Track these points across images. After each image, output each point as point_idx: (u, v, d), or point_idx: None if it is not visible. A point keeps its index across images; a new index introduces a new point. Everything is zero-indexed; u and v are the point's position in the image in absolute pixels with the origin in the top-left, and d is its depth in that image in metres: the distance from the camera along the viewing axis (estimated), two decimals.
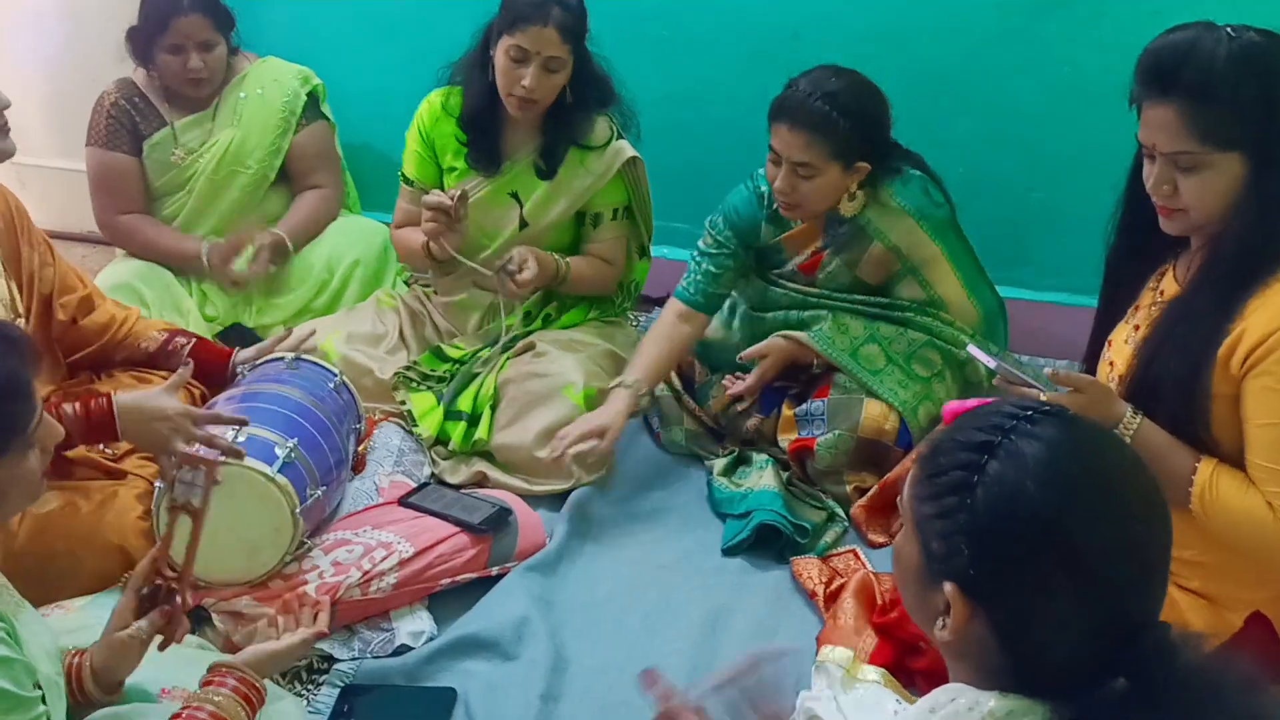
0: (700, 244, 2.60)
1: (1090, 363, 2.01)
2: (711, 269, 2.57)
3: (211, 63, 2.84)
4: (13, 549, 1.83)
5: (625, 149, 2.65)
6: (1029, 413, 1.05)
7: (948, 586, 1.02)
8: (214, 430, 1.97)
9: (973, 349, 1.90)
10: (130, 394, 1.94)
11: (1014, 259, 3.00)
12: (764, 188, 2.50)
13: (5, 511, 1.43)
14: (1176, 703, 0.95)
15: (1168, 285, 1.86)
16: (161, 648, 1.57)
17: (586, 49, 2.56)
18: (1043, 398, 1.77)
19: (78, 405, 1.88)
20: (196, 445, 1.92)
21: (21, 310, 2.06)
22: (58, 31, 3.34)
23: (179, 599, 1.57)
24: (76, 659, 1.56)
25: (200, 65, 2.81)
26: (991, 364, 1.83)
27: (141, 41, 2.82)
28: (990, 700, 1.00)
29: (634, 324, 2.99)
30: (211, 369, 2.36)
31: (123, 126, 2.87)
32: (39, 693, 1.31)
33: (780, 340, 2.50)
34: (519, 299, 2.68)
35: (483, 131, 2.63)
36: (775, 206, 2.47)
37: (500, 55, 2.49)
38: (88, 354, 2.26)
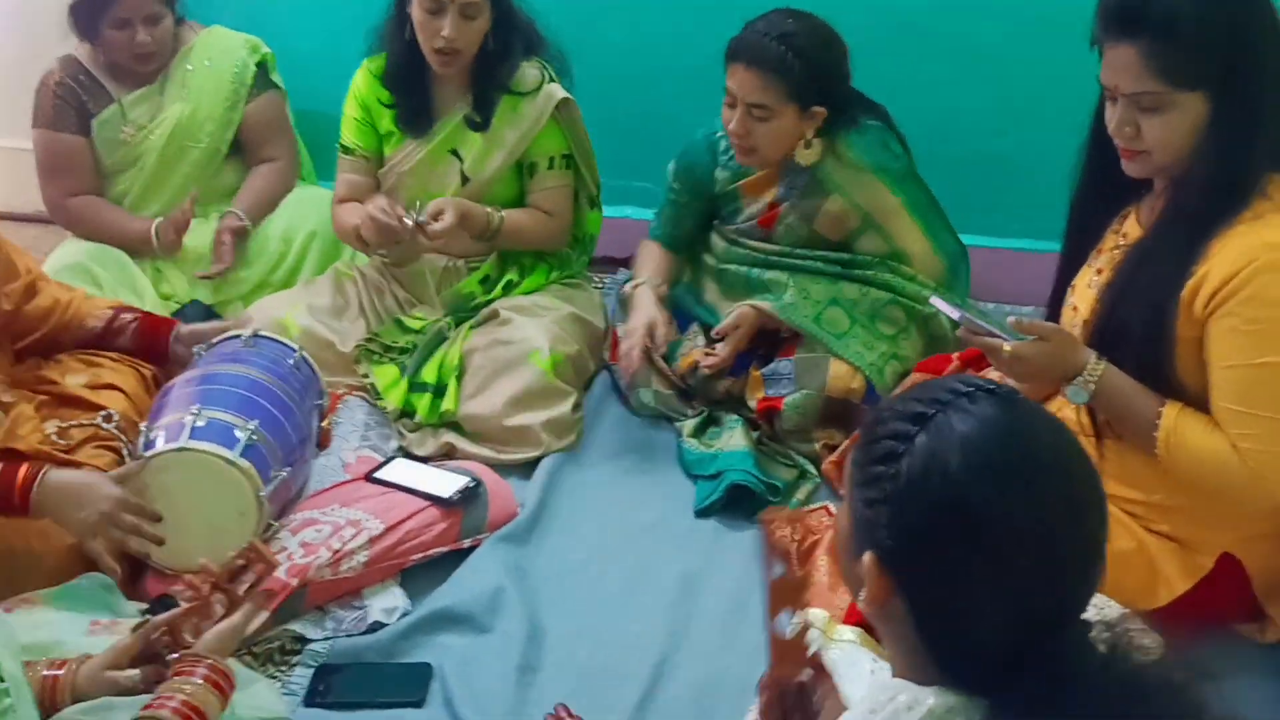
0: (663, 195, 2.69)
1: (1054, 308, 2.00)
2: (670, 215, 2.69)
3: (159, 35, 2.77)
4: None
5: (556, 91, 2.61)
6: (971, 389, 1.02)
7: (866, 556, 1.02)
8: (166, 420, 1.93)
9: (936, 301, 1.89)
10: (65, 475, 1.85)
11: (981, 205, 2.97)
12: (718, 133, 2.50)
13: None
14: (1089, 705, 0.93)
15: (1130, 228, 1.85)
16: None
17: None
18: (1006, 347, 1.76)
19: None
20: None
21: None
22: None
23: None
24: (53, 674, 1.55)
25: (148, 40, 2.74)
26: (955, 315, 1.82)
27: (85, 17, 2.74)
28: (930, 698, 0.99)
29: (596, 285, 2.96)
30: (158, 344, 2.32)
31: (69, 106, 2.80)
32: (2, 686, 1.29)
33: (749, 310, 2.49)
34: (434, 251, 2.63)
35: (409, 92, 2.61)
36: (730, 154, 2.45)
37: (416, 10, 2.47)
38: (34, 339, 2.21)
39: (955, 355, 2.20)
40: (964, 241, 2.61)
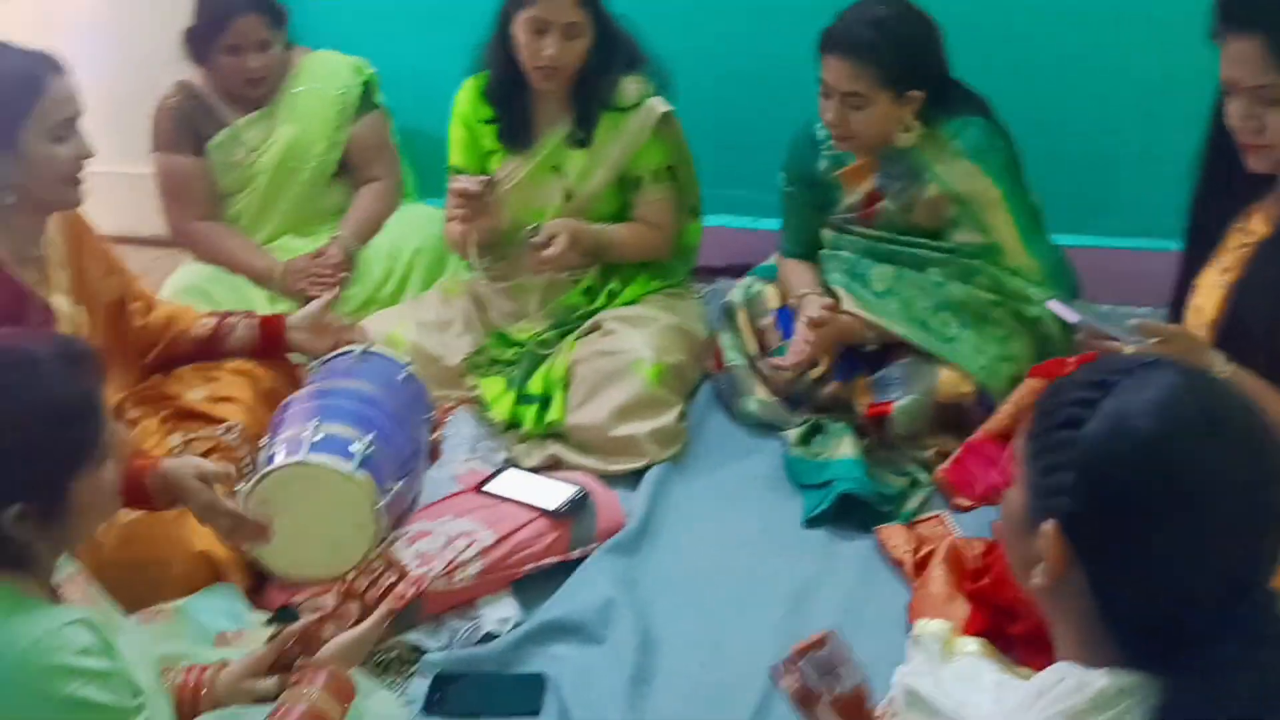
0: (783, 207, 2.66)
1: (1176, 309, 1.95)
2: (795, 224, 2.65)
3: (269, 61, 2.85)
4: (101, 560, 1.86)
5: (658, 105, 2.62)
6: (1151, 361, 1.02)
7: (1047, 525, 0.99)
8: (287, 433, 1.98)
9: (1053, 305, 1.85)
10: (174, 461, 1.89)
11: (1094, 204, 2.91)
12: (817, 124, 2.49)
13: (88, 526, 1.45)
14: (1273, 677, 0.90)
15: (1257, 225, 1.80)
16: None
17: (604, 11, 2.56)
18: (1128, 350, 1.71)
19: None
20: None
21: (87, 327, 2.08)
22: (112, 35, 3.37)
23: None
24: (196, 679, 1.59)
25: (259, 65, 2.82)
26: (1074, 319, 1.78)
27: (198, 43, 2.83)
28: (1100, 679, 0.96)
29: (698, 296, 2.96)
30: (270, 339, 2.36)
31: (185, 129, 2.89)
32: (138, 700, 1.33)
33: (841, 317, 2.44)
34: (545, 272, 2.66)
35: (511, 110, 2.65)
36: (829, 143, 2.46)
37: (519, 31, 2.50)
38: (155, 355, 2.29)
39: (1072, 359, 2.15)
40: (1077, 242, 2.56)
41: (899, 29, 2.30)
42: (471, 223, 2.59)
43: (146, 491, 1.81)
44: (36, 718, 1.24)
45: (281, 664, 1.63)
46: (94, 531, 1.49)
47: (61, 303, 2.02)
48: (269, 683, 1.59)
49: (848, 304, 2.46)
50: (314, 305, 2.41)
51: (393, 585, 1.75)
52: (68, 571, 1.48)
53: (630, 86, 2.62)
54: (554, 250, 2.53)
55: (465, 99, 2.71)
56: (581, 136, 2.63)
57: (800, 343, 2.42)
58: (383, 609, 1.68)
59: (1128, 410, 0.97)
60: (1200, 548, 0.95)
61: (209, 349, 2.33)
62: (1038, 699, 0.99)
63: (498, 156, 2.70)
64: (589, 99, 2.60)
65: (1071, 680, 0.98)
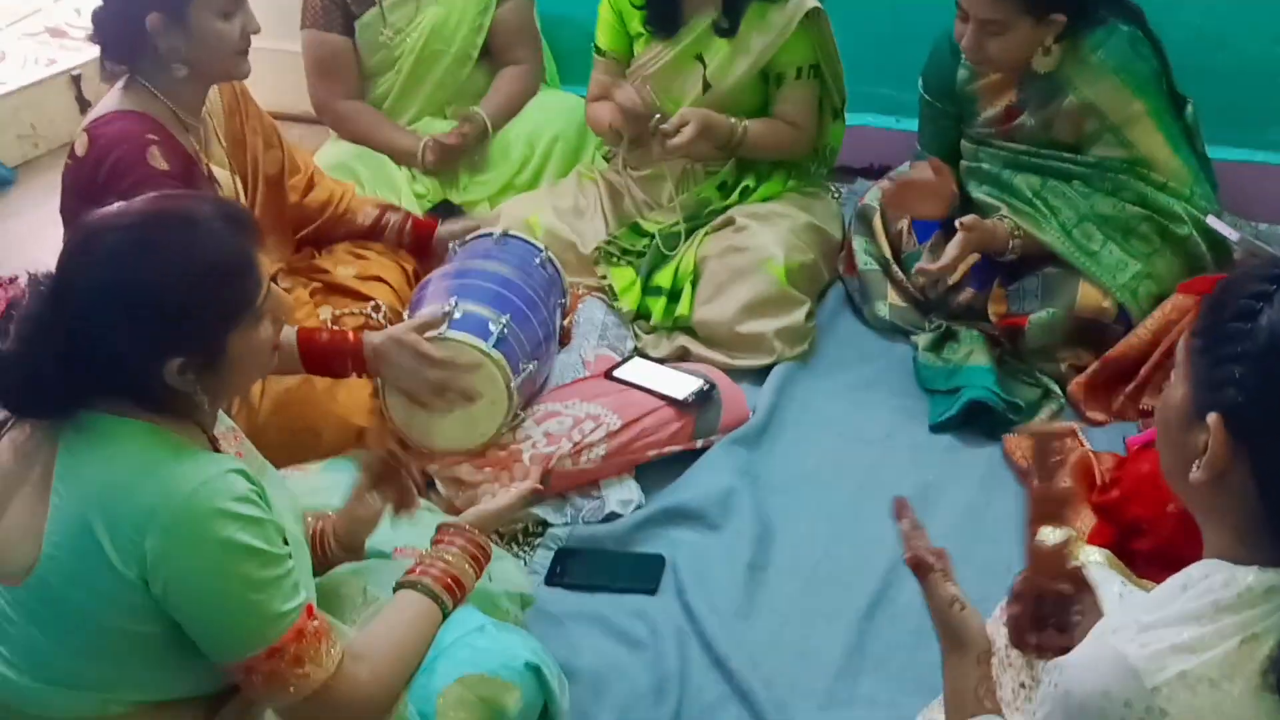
0: (919, 113, 2.59)
1: None
2: (930, 132, 2.58)
3: None
4: (256, 423, 1.96)
5: (807, 0, 2.55)
6: None
7: (1211, 418, 0.97)
8: (425, 313, 2.07)
9: (1213, 221, 1.78)
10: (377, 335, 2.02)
11: (1260, 119, 2.77)
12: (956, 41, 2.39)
13: (244, 382, 1.53)
14: None
15: None
16: (396, 514, 1.67)
17: None
18: None
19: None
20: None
21: (245, 197, 2.16)
22: None
23: (409, 476, 1.67)
24: (320, 524, 1.67)
25: None
26: (1234, 237, 1.72)
27: None
28: (1249, 575, 0.95)
29: (834, 195, 2.92)
30: (420, 242, 2.47)
31: (335, 7, 2.93)
32: (287, 549, 1.40)
33: (987, 222, 2.37)
34: (675, 160, 2.65)
35: None
36: None
37: None
38: (311, 230, 2.38)
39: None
40: (1233, 156, 2.44)
41: None
42: (624, 137, 2.60)
43: (344, 359, 1.94)
44: (196, 556, 1.32)
45: (381, 479, 1.68)
46: (250, 386, 1.56)
47: (220, 172, 2.10)
48: (375, 500, 1.66)
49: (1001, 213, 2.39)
50: (465, 222, 2.49)
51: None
52: (224, 425, 1.57)
53: None
54: (681, 139, 2.51)
55: None
56: (727, 26, 2.59)
57: (946, 245, 2.35)
58: (525, 486, 1.73)
59: None
60: None
61: (365, 235, 2.43)
62: (1182, 591, 0.98)
63: (644, 40, 2.68)
64: None
65: (1219, 576, 0.96)
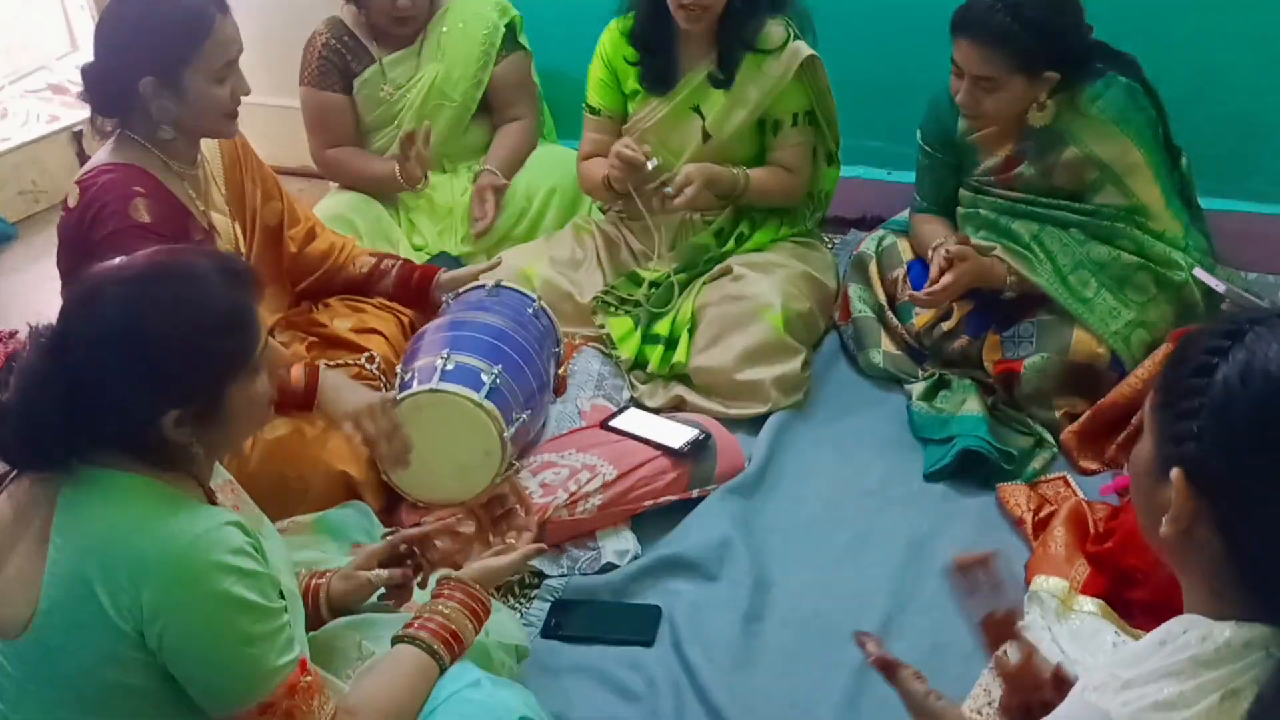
0: (917, 164, 2.61)
1: None
2: (929, 182, 2.60)
3: (418, 0, 2.90)
4: (246, 472, 1.97)
5: (802, 49, 2.60)
6: None
7: (1174, 473, 0.98)
8: (418, 365, 2.07)
9: (1200, 273, 1.80)
10: (338, 374, 2.05)
11: (1242, 168, 2.80)
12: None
13: (239, 435, 1.53)
14: None
15: None
16: (391, 604, 1.70)
17: None
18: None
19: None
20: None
21: (244, 245, 2.18)
22: None
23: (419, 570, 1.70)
24: (315, 581, 1.68)
25: (408, 3, 2.88)
26: (1221, 288, 1.74)
27: None
28: (1225, 630, 0.96)
29: (829, 246, 2.95)
30: (417, 290, 2.47)
31: (334, 65, 2.97)
32: (283, 602, 1.41)
33: (984, 259, 2.40)
34: (671, 214, 2.68)
35: (655, 50, 2.65)
36: None
37: None
38: (310, 282, 2.39)
39: None
40: (1223, 206, 2.47)
41: (1036, 14, 2.21)
42: (622, 188, 2.63)
43: (309, 392, 1.95)
44: (192, 609, 1.32)
45: (393, 559, 1.71)
46: (246, 439, 1.56)
47: (220, 220, 2.13)
48: (380, 572, 1.68)
49: (994, 250, 2.41)
50: (466, 270, 2.50)
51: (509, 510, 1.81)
52: (221, 478, 1.57)
53: (775, 29, 2.61)
54: (685, 198, 2.55)
55: (609, 40, 2.73)
56: (723, 77, 2.63)
57: (937, 274, 2.36)
58: (531, 547, 1.73)
59: (1257, 357, 0.96)
60: None
61: (362, 287, 2.44)
62: (1160, 647, 0.98)
63: (639, 97, 2.72)
64: (733, 39, 2.60)
65: (1197, 631, 0.97)
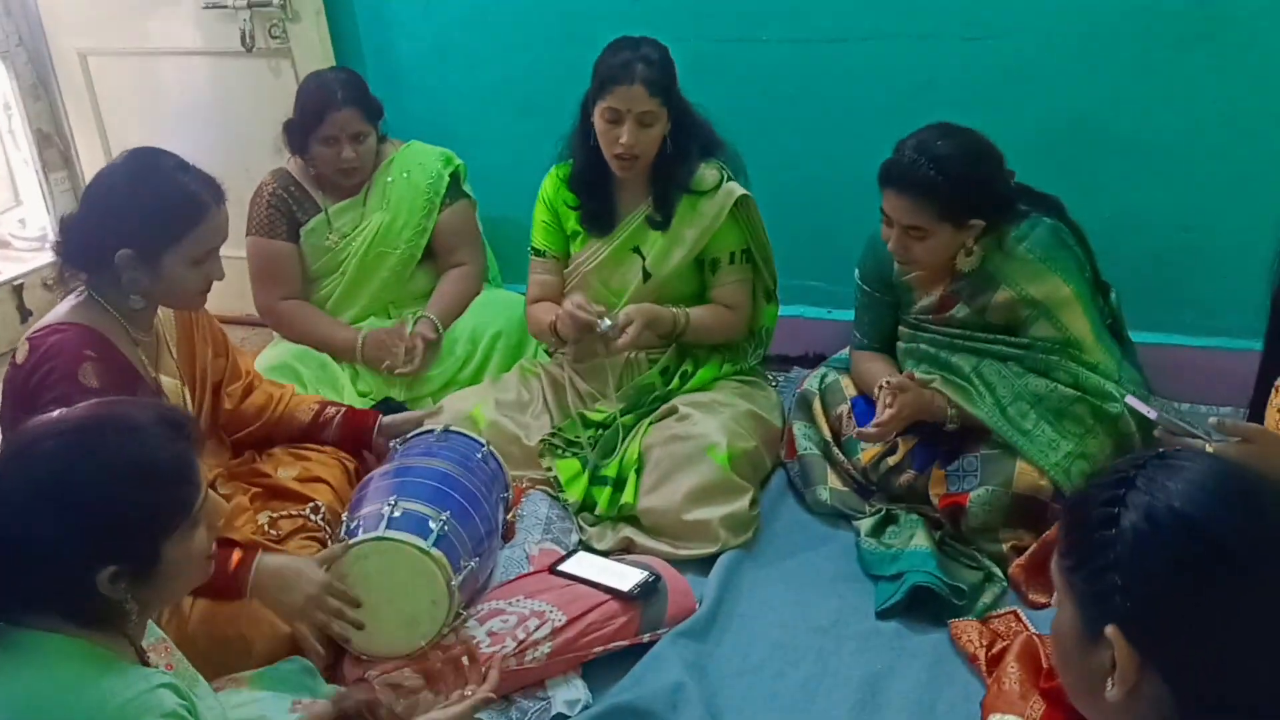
0: (856, 302, 2.67)
1: (1257, 409, 1.92)
2: (868, 320, 2.66)
3: (363, 152, 2.97)
4: (185, 632, 1.91)
5: (735, 189, 2.69)
6: (1162, 451, 1.02)
7: (1109, 630, 0.96)
8: (364, 512, 2.03)
9: (1132, 400, 1.84)
10: (276, 559, 1.97)
11: (1170, 301, 2.89)
12: None
13: (177, 590, 1.49)
14: None
15: None
16: None
17: (682, 100, 2.65)
18: (1209, 449, 1.69)
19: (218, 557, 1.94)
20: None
21: (192, 406, 2.17)
22: (212, 128, 3.55)
23: None
24: None
25: (353, 155, 2.94)
26: (1152, 415, 1.77)
27: (297, 134, 2.96)
28: None
29: (773, 384, 2.98)
30: (360, 435, 2.47)
31: (281, 215, 3.01)
32: None
33: (926, 392, 2.44)
34: (613, 356, 2.72)
35: (594, 195, 2.74)
36: None
37: (598, 120, 2.60)
38: (249, 433, 2.37)
39: None
40: (1154, 340, 2.53)
41: (958, 167, 2.29)
42: (575, 345, 2.67)
43: (232, 585, 1.88)
44: None
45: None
46: (181, 595, 1.53)
47: (168, 382, 2.11)
48: None
49: (934, 383, 2.45)
50: (409, 415, 2.52)
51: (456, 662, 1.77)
52: (155, 637, 1.52)
53: (708, 173, 2.70)
54: (626, 339, 2.59)
55: (550, 185, 2.82)
56: (660, 219, 2.70)
57: (883, 409, 2.39)
58: (480, 695, 1.69)
59: (1156, 497, 0.96)
60: (1272, 617, 0.92)
61: (305, 433, 2.43)
62: None
63: (580, 239, 2.79)
64: (667, 183, 2.69)
65: None
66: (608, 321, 2.59)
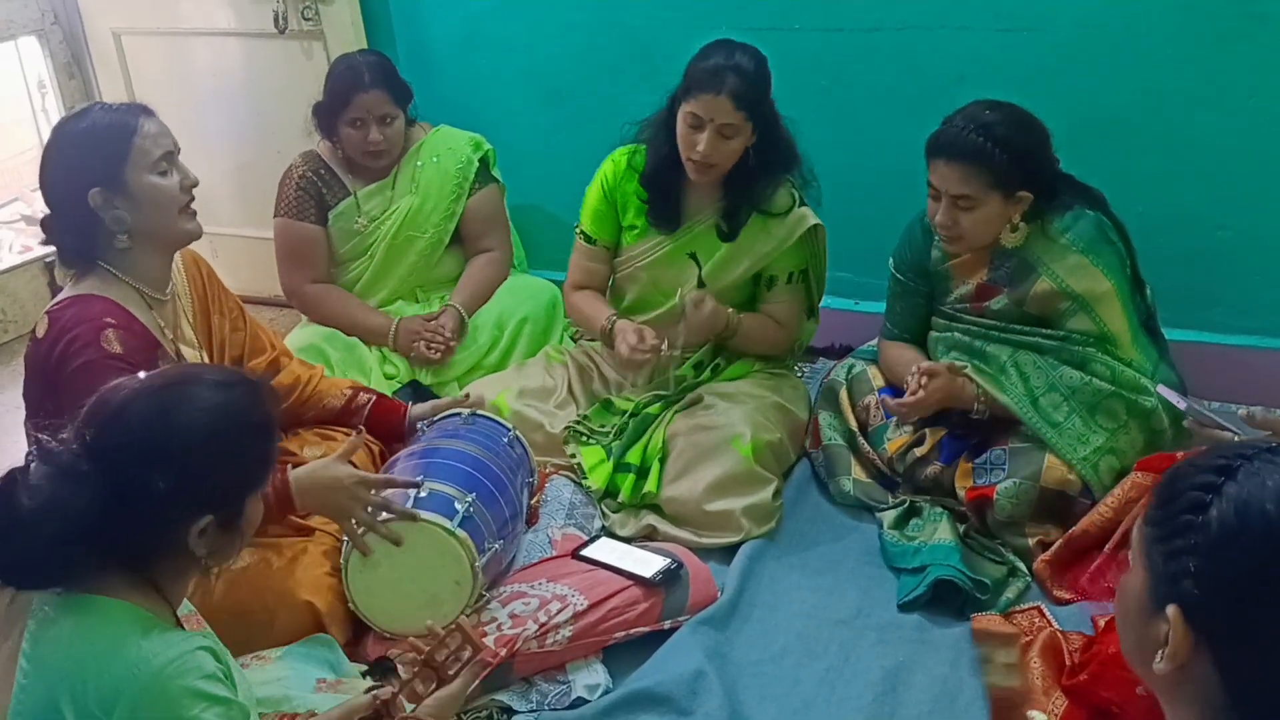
0: (889, 292, 2.65)
1: None
2: (900, 309, 2.64)
3: (391, 135, 2.97)
4: (210, 605, 1.93)
5: (808, 217, 2.65)
6: (1272, 446, 1.01)
7: (1170, 609, 0.97)
8: (391, 493, 2.04)
9: (1163, 390, 1.83)
10: (304, 467, 2.00)
11: (1203, 300, 2.87)
12: (929, 221, 2.49)
13: (239, 545, 1.50)
14: None
15: None
16: None
17: (772, 112, 2.56)
18: (1238, 440, 1.68)
19: None
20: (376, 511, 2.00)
21: None
22: (243, 109, 3.56)
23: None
24: None
25: (380, 138, 2.95)
26: (1182, 405, 1.76)
27: (325, 116, 2.97)
28: None
29: (800, 375, 2.97)
30: (389, 424, 2.48)
31: (309, 197, 3.02)
32: None
33: (958, 378, 2.41)
34: (690, 344, 2.71)
35: (663, 191, 2.67)
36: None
37: (680, 120, 2.53)
38: (279, 413, 2.37)
39: (1180, 454, 2.11)
40: (1188, 337, 2.51)
41: (1008, 134, 2.30)
42: (637, 362, 2.64)
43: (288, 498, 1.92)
44: None
45: (374, 715, 1.66)
46: (240, 551, 1.55)
47: (189, 352, 2.12)
48: None
49: (965, 369, 2.43)
50: (437, 403, 2.53)
51: (466, 655, 1.77)
52: (187, 610, 1.54)
53: (782, 195, 2.64)
54: (708, 306, 2.58)
55: (613, 169, 2.74)
56: (727, 231, 2.66)
57: (915, 387, 2.37)
58: (474, 667, 1.70)
59: (1252, 495, 0.96)
60: None
61: (335, 418, 2.44)
62: None
63: (637, 232, 2.74)
64: (740, 197, 2.62)
65: None
66: (666, 349, 2.59)
